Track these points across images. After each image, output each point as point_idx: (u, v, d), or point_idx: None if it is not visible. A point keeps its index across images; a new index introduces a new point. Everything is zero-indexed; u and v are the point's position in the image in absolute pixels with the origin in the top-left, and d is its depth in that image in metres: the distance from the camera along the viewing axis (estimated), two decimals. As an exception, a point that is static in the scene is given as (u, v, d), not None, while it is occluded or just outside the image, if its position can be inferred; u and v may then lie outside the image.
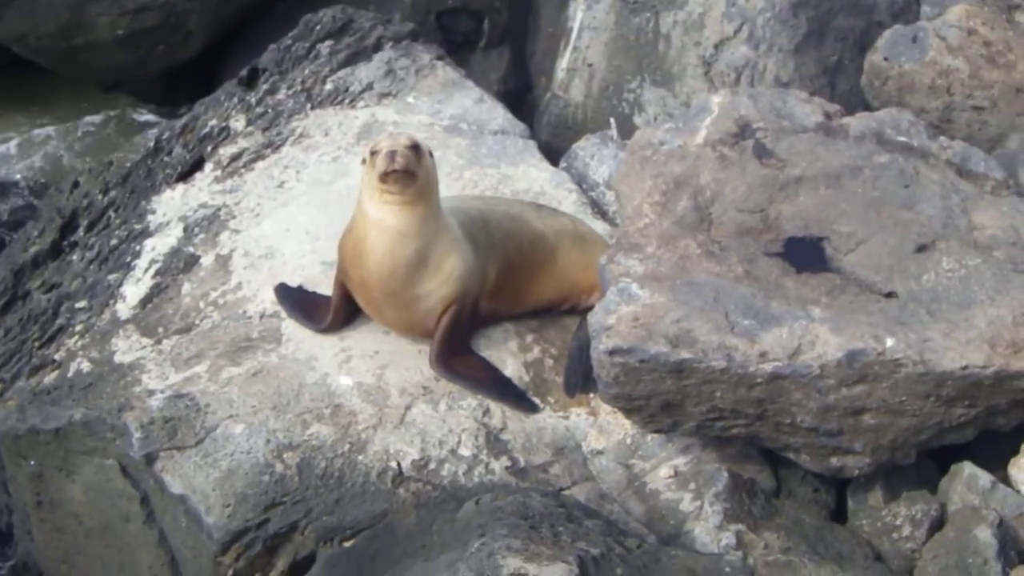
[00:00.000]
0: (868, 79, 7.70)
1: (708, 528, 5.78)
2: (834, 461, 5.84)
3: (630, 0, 8.43)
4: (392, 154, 6.01)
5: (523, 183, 7.48)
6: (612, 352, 5.64)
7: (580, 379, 6.34)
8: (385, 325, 6.44)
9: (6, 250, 7.55)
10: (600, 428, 6.26)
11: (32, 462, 6.52)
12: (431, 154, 6.25)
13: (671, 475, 6.08)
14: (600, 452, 6.18)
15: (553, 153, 8.13)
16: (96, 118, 10.51)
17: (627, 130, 8.09)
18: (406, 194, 6.07)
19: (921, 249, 6.09)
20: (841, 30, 8.19)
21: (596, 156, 7.90)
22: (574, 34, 8.64)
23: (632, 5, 8.43)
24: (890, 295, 5.91)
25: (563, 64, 8.71)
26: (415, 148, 6.11)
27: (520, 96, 9.73)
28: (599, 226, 7.15)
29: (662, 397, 5.70)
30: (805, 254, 6.13)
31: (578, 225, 6.86)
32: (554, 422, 6.26)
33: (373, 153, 6.12)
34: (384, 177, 6.02)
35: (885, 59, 7.58)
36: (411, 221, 6.11)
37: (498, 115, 7.99)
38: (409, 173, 6.03)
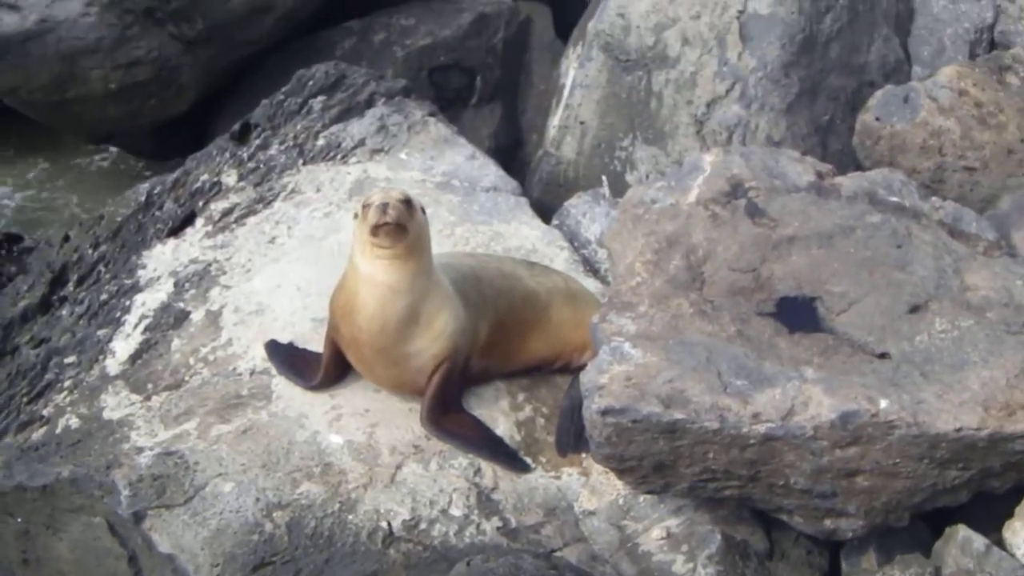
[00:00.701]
0: (860, 139, 7.72)
1: (700, 591, 5.75)
2: (828, 523, 5.80)
3: (622, 58, 8.45)
4: (384, 207, 6.00)
5: (515, 240, 7.47)
6: (604, 412, 5.60)
7: (572, 439, 6.31)
8: (376, 383, 6.40)
9: (-6, 304, 7.51)
10: (592, 488, 6.21)
11: (19, 519, 6.45)
12: (423, 210, 6.24)
13: (664, 536, 6.04)
14: (592, 512, 6.13)
15: (545, 210, 8.13)
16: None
17: (619, 188, 8.10)
18: (397, 248, 6.05)
19: (914, 310, 6.07)
20: (833, 90, 8.22)
21: (588, 214, 7.90)
22: (566, 91, 8.66)
23: (624, 63, 8.45)
24: (883, 356, 5.88)
25: (555, 121, 8.72)
26: (407, 202, 6.10)
27: (511, 152, 9.75)
28: (591, 284, 7.14)
29: (654, 458, 5.66)
30: (798, 314, 6.10)
31: (570, 283, 6.84)
32: (546, 482, 6.22)
33: (365, 207, 6.11)
34: (375, 230, 6.01)
35: (877, 119, 7.60)
36: (402, 277, 6.09)
37: (490, 172, 7.99)
38: (400, 227, 6.01)
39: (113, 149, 10.84)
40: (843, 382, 5.65)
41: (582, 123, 8.58)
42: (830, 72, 8.23)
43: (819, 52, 8.19)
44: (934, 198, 6.75)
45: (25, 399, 6.79)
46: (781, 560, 6.04)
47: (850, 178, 6.84)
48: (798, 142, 8.01)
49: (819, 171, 6.86)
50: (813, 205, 6.60)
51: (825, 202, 6.63)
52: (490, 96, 9.92)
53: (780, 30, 8.13)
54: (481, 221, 7.57)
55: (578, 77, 8.59)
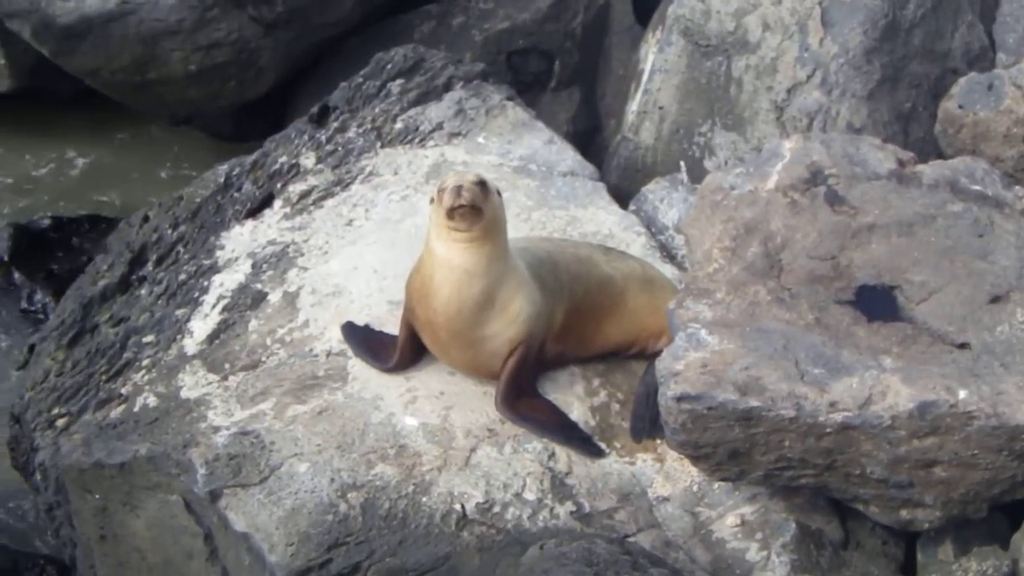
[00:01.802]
0: (942, 127, 7.61)
1: (774, 579, 5.71)
2: (904, 514, 5.75)
3: (702, 43, 8.39)
4: (458, 189, 6.01)
5: (592, 225, 7.44)
6: (680, 399, 5.59)
7: (647, 424, 6.29)
8: (451, 366, 6.42)
9: (75, 283, 7.56)
10: (666, 474, 6.20)
11: (97, 496, 6.53)
12: (499, 193, 6.24)
13: (738, 524, 6.02)
14: (666, 499, 6.12)
15: (622, 195, 8.08)
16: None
17: (697, 174, 8.03)
18: (473, 231, 6.05)
19: (995, 300, 6.00)
20: (915, 76, 8.11)
21: (666, 199, 7.86)
22: (645, 76, 8.60)
23: (704, 48, 8.39)
24: (963, 346, 5.82)
25: (634, 106, 8.67)
26: (482, 185, 6.10)
27: (589, 137, 9.71)
28: (668, 270, 7.10)
29: (730, 445, 5.64)
30: (877, 303, 6.05)
31: (647, 269, 6.81)
32: (620, 467, 6.20)
33: (440, 190, 6.12)
34: (451, 213, 6.02)
35: (960, 107, 7.49)
36: (478, 260, 6.09)
37: (568, 156, 7.97)
38: (475, 209, 6.01)
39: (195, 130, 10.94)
40: (922, 372, 5.60)
41: (661, 108, 8.52)
42: (913, 59, 8.11)
43: (902, 38, 8.07)
44: (1017, 187, 6.66)
45: (104, 377, 6.86)
46: (856, 550, 5.99)
47: (931, 166, 6.76)
48: (879, 129, 7.91)
49: (900, 159, 6.78)
50: (894, 193, 6.53)
51: (906, 190, 6.56)
52: (568, 80, 9.88)
53: (862, 16, 8.02)
54: (558, 206, 7.55)
55: (657, 62, 8.53)
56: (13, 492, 7.99)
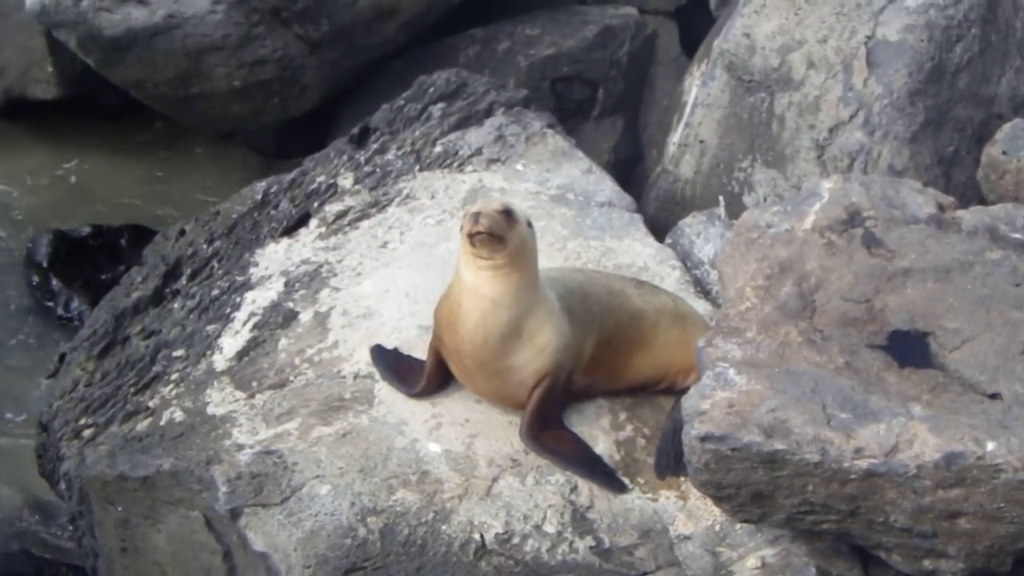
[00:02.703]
0: (985, 172, 7.55)
1: (793, 625, 5.65)
2: (927, 564, 5.67)
3: (745, 79, 8.36)
4: (477, 216, 5.98)
5: (627, 257, 7.41)
6: (704, 438, 5.53)
7: (672, 461, 6.23)
8: (477, 394, 6.39)
9: (110, 293, 7.60)
10: (689, 512, 6.15)
11: (119, 508, 6.54)
12: (529, 223, 6.20)
13: (758, 566, 5.95)
14: (687, 537, 6.06)
15: (659, 228, 8.06)
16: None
17: (736, 209, 8.00)
18: (496, 259, 6.02)
19: (1030, 351, 5.93)
20: (960, 120, 8.05)
21: (702, 234, 7.82)
22: (688, 109, 8.59)
23: (747, 84, 8.36)
24: (994, 396, 5.73)
25: (675, 138, 8.65)
26: (507, 213, 6.07)
27: (631, 167, 9.71)
28: (701, 306, 7.06)
29: (753, 487, 5.58)
30: (909, 349, 5.98)
31: (679, 304, 6.77)
32: (642, 503, 6.16)
33: (465, 216, 6.11)
34: (471, 240, 6.00)
35: (1004, 153, 7.42)
36: (506, 290, 6.06)
37: (606, 187, 7.94)
38: (495, 237, 5.98)
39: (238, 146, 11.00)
40: (950, 421, 5.52)
41: (702, 142, 8.50)
42: (957, 102, 8.06)
43: (947, 81, 8.03)
44: (1058, 237, 6.58)
45: (132, 390, 6.88)
46: (878, 598, 5.93)
47: (971, 212, 6.68)
48: (921, 172, 7.86)
49: (940, 203, 6.71)
50: (932, 238, 6.46)
51: (944, 235, 6.49)
52: (612, 109, 9.88)
53: (908, 57, 7.98)
54: (593, 236, 7.53)
55: (700, 95, 8.51)
56: (41, 500, 8.03)
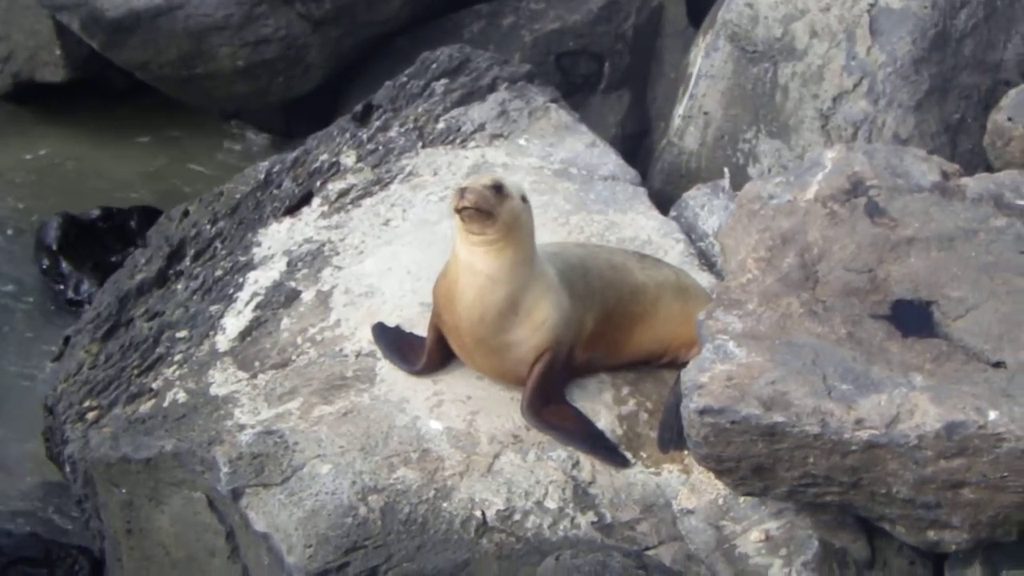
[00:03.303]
0: (991, 139, 7.48)
1: (795, 598, 5.62)
2: (931, 535, 5.64)
3: (749, 49, 8.29)
4: (463, 191, 5.95)
5: (630, 231, 7.37)
6: (702, 412, 5.51)
7: (675, 435, 6.19)
8: (477, 371, 6.37)
9: (113, 276, 7.60)
10: (692, 487, 6.12)
11: (123, 490, 6.56)
12: (524, 198, 6.15)
13: (762, 539, 5.92)
14: (690, 511, 6.04)
15: (665, 201, 8.02)
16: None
17: (741, 181, 7.94)
18: (488, 234, 5.99)
19: (1034, 318, 5.87)
20: (965, 87, 7.97)
21: (706, 206, 7.77)
22: (692, 81, 8.53)
23: (750, 55, 8.29)
24: (998, 365, 5.69)
25: (680, 110, 8.60)
26: (496, 187, 6.01)
27: (638, 140, 9.65)
28: (705, 278, 7.02)
29: (753, 460, 5.55)
30: (912, 318, 5.93)
31: (681, 277, 6.73)
32: (645, 478, 6.13)
33: (454, 192, 6.08)
34: (459, 215, 5.97)
35: (1009, 119, 7.35)
36: (501, 265, 6.03)
37: (609, 160, 7.90)
38: (482, 212, 5.94)
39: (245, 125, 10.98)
40: (952, 391, 5.48)
41: (706, 113, 8.44)
42: (963, 69, 7.98)
43: (952, 48, 7.94)
44: (1064, 203, 6.52)
45: (136, 371, 6.88)
46: (883, 569, 5.88)
47: (976, 179, 6.62)
48: (927, 140, 7.79)
49: (945, 171, 6.65)
50: (936, 206, 6.41)
51: (948, 203, 6.44)
52: (619, 83, 9.81)
53: (912, 24, 7.90)
54: (597, 210, 7.49)
55: (704, 67, 8.45)
56: (49, 483, 8.05)
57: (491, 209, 5.94)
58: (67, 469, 6.95)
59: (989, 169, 7.33)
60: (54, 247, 9.69)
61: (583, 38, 9.74)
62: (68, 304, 9.50)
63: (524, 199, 6.14)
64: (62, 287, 9.60)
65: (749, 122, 8.35)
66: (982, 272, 6.07)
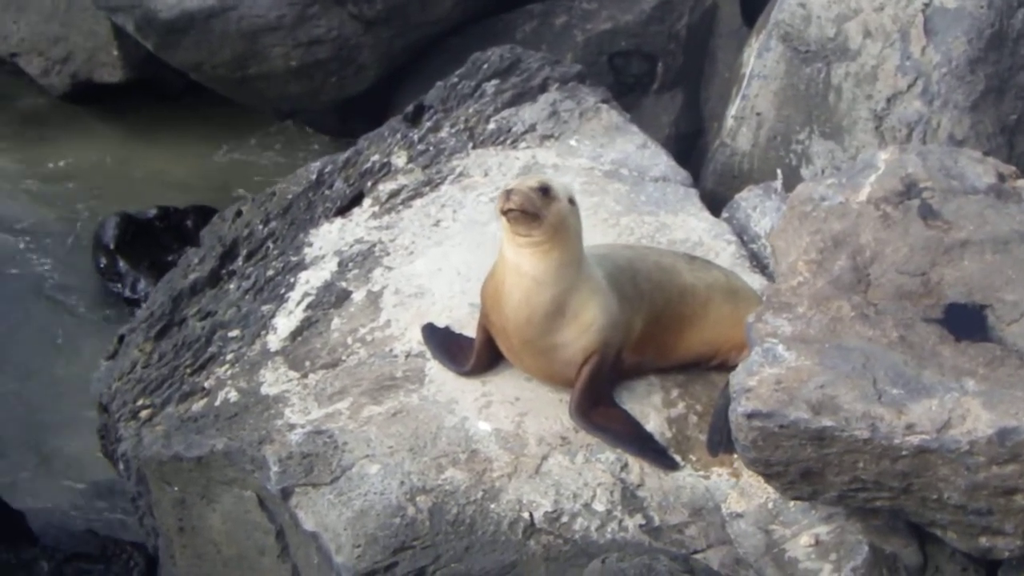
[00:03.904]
0: (1048, 140, 7.41)
1: (843, 602, 5.58)
2: (983, 541, 5.57)
3: (802, 49, 8.24)
4: (509, 192, 5.94)
5: (681, 232, 7.35)
6: (750, 415, 5.48)
7: (724, 438, 6.15)
8: (525, 372, 6.36)
9: (167, 275, 7.66)
10: (741, 490, 6.08)
11: (175, 488, 6.60)
12: (572, 200, 6.13)
13: (812, 544, 5.88)
14: (740, 515, 6.01)
15: (717, 202, 7.99)
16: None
17: (794, 182, 7.88)
18: (534, 236, 5.98)
19: (1089, 323, 5.80)
20: (1022, 88, 7.88)
21: (759, 208, 7.73)
22: (745, 81, 8.49)
23: (803, 55, 8.25)
24: (1052, 370, 5.63)
25: (733, 111, 8.56)
26: (543, 189, 5.99)
27: (692, 141, 9.62)
28: (756, 280, 6.98)
29: (802, 464, 5.51)
30: (966, 322, 5.87)
31: (731, 279, 6.69)
32: (694, 481, 6.11)
33: (501, 193, 6.07)
34: (504, 216, 5.97)
35: (1067, 120, 7.29)
36: (546, 268, 6.02)
37: (660, 161, 7.87)
38: (528, 214, 5.92)
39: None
40: (1005, 396, 5.42)
41: (759, 114, 8.40)
42: (1020, 69, 7.88)
43: (1009, 48, 7.86)
44: (1120, 206, 6.43)
45: (188, 371, 6.92)
46: (934, 575, 5.83)
47: (1033, 181, 6.56)
48: (982, 141, 7.71)
49: (1001, 172, 6.57)
50: (991, 208, 6.34)
51: (1004, 206, 6.37)
52: (672, 83, 9.79)
53: (967, 24, 7.83)
54: (647, 212, 7.46)
55: (756, 67, 8.41)
56: (105, 480, 8.13)
57: (537, 211, 5.93)
58: (121, 467, 7.00)
59: (1046, 171, 7.24)
60: (111, 246, 9.79)
61: (636, 38, 9.72)
62: (125, 303, 9.60)
63: (572, 201, 6.12)
64: (119, 286, 9.70)
65: (802, 123, 8.30)
66: (1038, 276, 6.01)
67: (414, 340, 6.70)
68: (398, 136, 8.02)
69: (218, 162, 10.90)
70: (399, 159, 7.87)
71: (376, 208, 7.58)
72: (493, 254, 6.55)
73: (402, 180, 7.73)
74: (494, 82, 8.25)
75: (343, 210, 7.62)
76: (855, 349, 5.68)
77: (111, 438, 7.14)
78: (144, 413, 6.86)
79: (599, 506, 5.94)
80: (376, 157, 7.89)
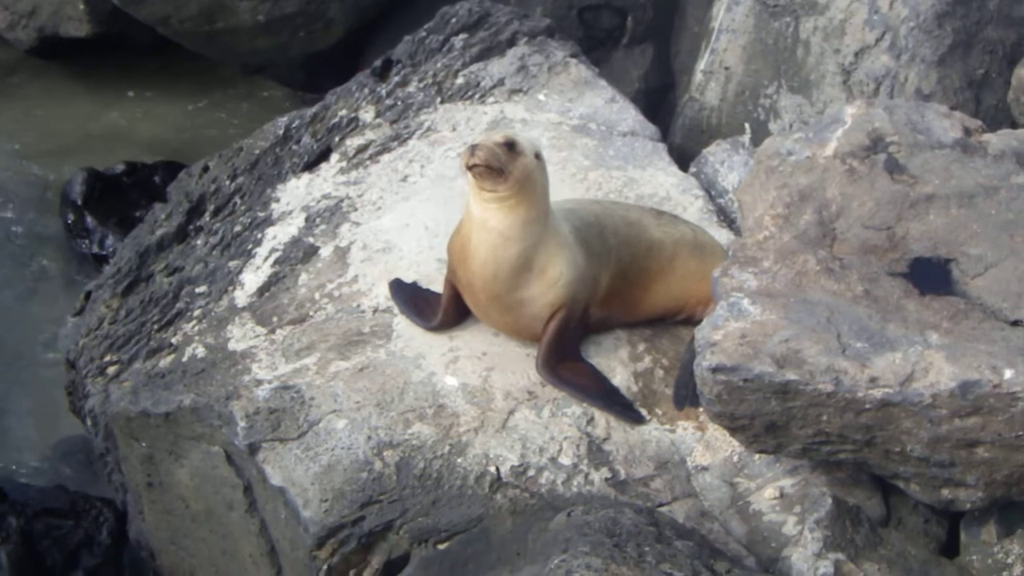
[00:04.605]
0: (1015, 94, 7.42)
1: (806, 555, 5.59)
2: (945, 493, 5.63)
3: (770, 3, 8.22)
4: (474, 148, 5.93)
5: (649, 187, 7.34)
6: (715, 369, 5.50)
7: (690, 392, 6.17)
8: (493, 327, 6.37)
9: (134, 231, 7.64)
10: (707, 444, 6.12)
11: (143, 444, 6.61)
12: (538, 155, 6.12)
13: (776, 496, 5.93)
14: (705, 468, 6.04)
15: (686, 157, 7.98)
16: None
17: (762, 137, 7.87)
18: (500, 191, 5.97)
19: (1055, 277, 5.83)
20: (990, 42, 7.88)
21: (726, 162, 7.73)
22: (714, 35, 8.47)
23: (772, 9, 8.22)
24: (1016, 323, 5.66)
25: (701, 65, 8.54)
26: (508, 145, 5.99)
27: (662, 95, 9.59)
28: (724, 235, 6.99)
29: (766, 418, 5.54)
30: (930, 276, 5.90)
31: (699, 234, 6.70)
32: (659, 435, 6.14)
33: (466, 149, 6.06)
34: (469, 171, 5.96)
35: (1034, 74, 7.29)
36: (512, 223, 6.01)
37: (629, 116, 7.85)
38: (493, 169, 5.92)
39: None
40: (968, 349, 5.45)
41: (727, 69, 8.38)
42: (988, 23, 7.88)
43: (976, 3, 7.84)
44: (1088, 160, 6.45)
45: (156, 327, 6.91)
46: (897, 527, 5.88)
47: (998, 136, 6.56)
48: (950, 96, 7.71)
49: (967, 127, 6.59)
50: (956, 163, 6.36)
51: (970, 160, 6.39)
52: (642, 37, 9.73)
53: (936, -23, 7.85)
54: (616, 166, 7.46)
55: (725, 21, 8.38)
56: (74, 436, 8.12)
57: (502, 166, 5.92)
58: (88, 423, 7.01)
59: (1013, 125, 7.27)
60: (79, 202, 9.73)
61: (606, -9, 9.68)
62: (92, 259, 9.55)
63: (538, 156, 6.11)
64: (86, 242, 9.65)
65: (770, 77, 8.29)
66: (1002, 230, 6.04)
67: (381, 296, 6.69)
68: (366, 91, 7.99)
69: (186, 117, 10.84)
70: (367, 114, 7.84)
71: (344, 163, 7.56)
72: (460, 210, 6.55)
73: (370, 135, 7.70)
74: (462, 36, 8.21)
75: (310, 165, 7.59)
76: (820, 303, 5.71)
77: (78, 394, 7.14)
78: (111, 369, 6.87)
79: (565, 460, 5.96)
80: (344, 112, 7.86)
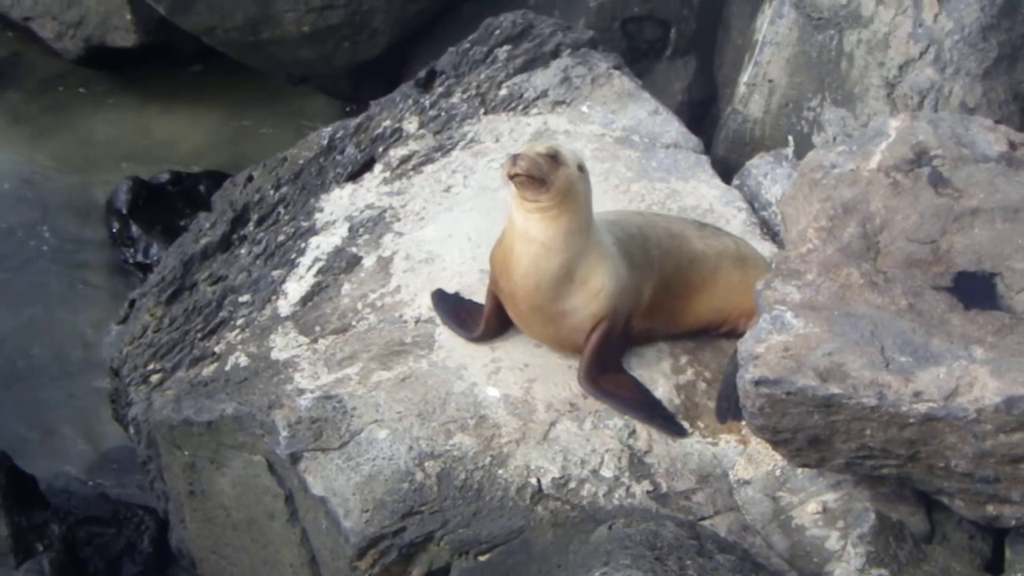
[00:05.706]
0: (1060, 108, 7.37)
1: (849, 570, 5.59)
2: (990, 509, 5.59)
3: (814, 16, 8.20)
4: (516, 157, 5.93)
5: (692, 199, 7.33)
6: (758, 382, 5.48)
7: (733, 405, 6.16)
8: (535, 338, 6.38)
9: (178, 240, 7.68)
10: (749, 457, 6.10)
11: (185, 452, 6.64)
12: (581, 167, 6.12)
13: (819, 511, 5.90)
14: (747, 482, 6.02)
15: (729, 169, 7.96)
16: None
17: (805, 149, 7.86)
18: (542, 201, 5.97)
19: (1099, 292, 5.79)
20: (1035, 56, 7.86)
21: (769, 175, 7.71)
22: (758, 48, 8.45)
23: (816, 21, 8.20)
24: (1061, 338, 5.63)
25: (745, 78, 8.53)
26: (551, 156, 5.99)
27: (704, 108, 9.57)
28: (767, 248, 6.98)
29: (809, 432, 5.52)
30: (975, 290, 5.87)
31: (741, 246, 6.69)
32: (701, 448, 6.12)
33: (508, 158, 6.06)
34: (511, 181, 5.97)
35: (1080, 88, 7.25)
36: (555, 234, 6.02)
37: (672, 128, 7.84)
38: (534, 179, 5.92)
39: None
40: (1013, 364, 5.42)
41: (771, 81, 8.36)
42: (1033, 37, 7.87)
43: (1022, 15, 7.79)
44: None
45: (199, 335, 6.95)
46: (941, 543, 5.84)
47: (1045, 149, 6.54)
48: (995, 109, 7.67)
49: (1012, 141, 6.55)
50: (1001, 176, 6.33)
51: (1015, 174, 6.35)
52: (685, 49, 9.71)
53: (980, -9, 7.80)
54: (658, 178, 7.45)
55: (769, 34, 8.37)
56: (117, 445, 8.17)
57: (544, 176, 5.92)
58: (131, 431, 7.05)
59: (1059, 139, 7.20)
60: (124, 211, 9.79)
61: (649, 3, 9.64)
62: (137, 267, 9.61)
63: (581, 167, 6.11)
64: (131, 250, 9.71)
65: (814, 90, 8.27)
66: (1048, 244, 6.00)
67: (424, 306, 6.71)
68: (410, 102, 8.01)
69: (230, 127, 10.87)
70: (411, 125, 7.86)
71: (387, 174, 7.58)
72: (503, 220, 6.55)
73: (413, 146, 7.72)
74: (506, 48, 8.23)
75: (354, 175, 7.62)
76: (863, 316, 5.69)
77: (122, 402, 7.19)
78: (155, 377, 6.91)
79: (607, 472, 5.96)
80: (388, 122, 7.88)
